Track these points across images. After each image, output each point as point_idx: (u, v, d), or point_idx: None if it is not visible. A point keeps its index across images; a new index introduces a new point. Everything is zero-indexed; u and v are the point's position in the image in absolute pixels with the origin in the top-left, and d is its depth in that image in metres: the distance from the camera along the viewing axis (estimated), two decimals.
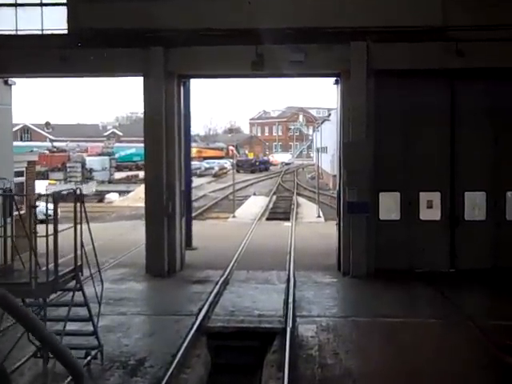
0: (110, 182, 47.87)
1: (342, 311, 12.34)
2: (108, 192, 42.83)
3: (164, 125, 15.54)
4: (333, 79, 16.62)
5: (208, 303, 12.60)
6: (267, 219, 31.00)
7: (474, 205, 16.11)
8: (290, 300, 12.82)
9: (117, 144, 66.03)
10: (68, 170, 46.84)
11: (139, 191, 40.32)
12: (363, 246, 15.31)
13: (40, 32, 15.75)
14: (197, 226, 25.02)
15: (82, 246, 9.41)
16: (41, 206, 28.52)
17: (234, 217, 30.63)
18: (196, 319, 11.41)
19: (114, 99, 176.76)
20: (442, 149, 15.99)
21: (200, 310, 12.13)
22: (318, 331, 10.75)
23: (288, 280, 14.92)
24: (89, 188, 42.93)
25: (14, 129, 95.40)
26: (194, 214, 32.58)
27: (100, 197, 42.48)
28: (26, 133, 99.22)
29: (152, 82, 15.50)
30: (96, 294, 10.12)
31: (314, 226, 26.37)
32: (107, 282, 14.77)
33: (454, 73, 15.61)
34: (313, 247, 20.06)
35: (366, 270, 15.30)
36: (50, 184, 44.93)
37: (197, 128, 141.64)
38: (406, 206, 16.02)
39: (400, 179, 16.05)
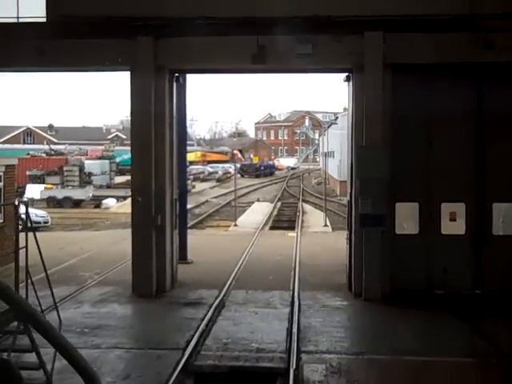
0: (108, 186, 46.07)
1: (355, 345, 10.48)
2: (105, 197, 41.03)
3: (153, 127, 13.76)
4: (344, 75, 14.81)
5: (198, 333, 10.78)
6: (271, 228, 29.17)
7: (504, 217, 14.23)
8: (295, 329, 10.98)
9: (118, 147, 64.28)
10: (65, 173, 45.03)
11: None
12: (378, 265, 13.47)
13: (15, 20, 13.99)
14: (194, 237, 23.25)
15: (28, 272, 7.55)
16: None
17: (235, 225, 28.82)
18: (182, 355, 9.59)
19: (120, 101, 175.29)
20: (468, 154, 14.15)
21: (188, 342, 10.31)
22: (327, 373, 8.90)
23: (292, 303, 13.10)
24: (85, 193, 41.17)
25: (17, 131, 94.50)
26: (193, 222, 30.85)
27: (97, 202, 40.70)
28: (28, 135, 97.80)
29: (139, 77, 13.72)
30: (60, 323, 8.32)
31: (321, 236, 24.52)
32: (86, 305, 13.03)
33: (481, 68, 13.77)
34: (320, 262, 18.22)
35: (381, 292, 13.45)
36: (45, 188, 43.26)
37: (202, 132, 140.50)
38: (426, 219, 14.18)
39: (419, 188, 14.22)
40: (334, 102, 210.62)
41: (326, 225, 28.71)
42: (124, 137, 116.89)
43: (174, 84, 14.80)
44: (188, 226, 29.36)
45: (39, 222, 27.60)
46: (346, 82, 14.87)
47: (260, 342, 10.33)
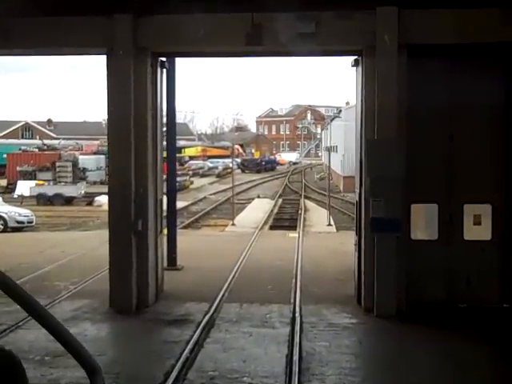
0: (102, 182, 44.20)
1: (369, 380, 8.70)
2: (98, 194, 39.21)
3: (132, 118, 11.96)
4: (351, 59, 13.02)
5: (181, 362, 8.99)
6: (271, 228, 27.39)
7: None
8: (296, 357, 9.20)
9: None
10: (57, 169, 43.24)
11: None
12: (392, 275, 11.68)
13: None
14: (188, 238, 21.56)
15: None
16: (11, 212, 24.84)
17: (233, 225, 27.04)
18: None
19: None
20: (494, 149, 12.34)
21: (167, 374, 8.54)
22: None
23: (293, 321, 11.33)
24: (77, 189, 39.39)
25: (15, 126, 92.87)
26: (188, 222, 29.12)
27: (90, 199, 38.91)
28: (27, 130, 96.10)
29: (117, 60, 11.92)
30: None
31: (325, 237, 22.72)
32: None
33: None
34: (324, 268, 16.45)
35: (396, 307, 11.67)
36: (36, 185, 41.53)
37: (203, 126, 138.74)
38: (447, 222, 12.39)
39: (438, 187, 12.43)
40: (337, 96, 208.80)
41: (329, 224, 26.93)
42: None
43: (159, 70, 13.02)
44: (183, 225, 27.69)
45: (23, 222, 25.90)
46: (354, 67, 13.08)
47: (253, 375, 8.56)
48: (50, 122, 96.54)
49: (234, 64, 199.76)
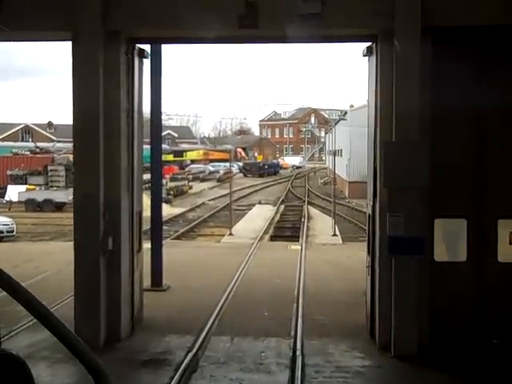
0: None
1: None
2: None
3: (101, 118, 9.98)
4: (363, 47, 11.06)
5: None
6: (271, 238, 25.37)
7: None
8: None
9: None
10: (49, 173, 41.27)
11: None
12: (412, 305, 9.67)
13: None
14: (179, 250, 19.63)
15: None
16: None
17: (230, 234, 25.02)
18: None
19: None
20: None
21: None
22: None
23: (293, 362, 9.32)
24: (67, 195, 37.37)
25: (15, 129, 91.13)
26: (182, 230, 27.14)
27: None
28: (27, 133, 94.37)
29: (82, 47, 9.93)
30: None
31: (330, 250, 20.68)
32: None
33: None
34: (330, 288, 14.46)
35: (417, 343, 9.66)
36: (27, 190, 39.59)
37: (206, 129, 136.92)
38: (477, 241, 10.34)
39: (467, 199, 10.38)
40: (341, 99, 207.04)
41: (335, 234, 24.89)
42: None
43: (137, 59, 11.05)
44: (176, 235, 25.71)
45: (1, 232, 23.90)
46: (367, 57, 11.12)
47: None
48: (50, 124, 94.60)
49: (236, 66, 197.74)
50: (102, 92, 9.99)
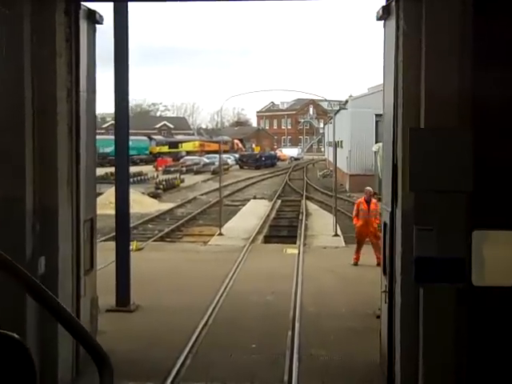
0: None
1: None
2: None
3: (30, 100, 7.43)
4: (377, 6, 8.55)
5: None
6: (265, 239, 22.82)
7: None
8: None
9: (101, 136, 57.78)
10: None
11: (110, 194, 32.28)
12: (449, 350, 7.16)
13: None
14: (159, 256, 17.19)
15: None
16: None
17: (220, 234, 22.48)
18: None
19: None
20: None
21: None
22: None
23: None
24: None
25: None
26: (168, 230, 24.63)
27: None
28: None
29: (1, 5, 7.38)
30: None
31: (332, 254, 18.13)
32: None
33: None
34: (332, 307, 11.98)
35: None
36: None
37: (204, 121, 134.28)
38: None
39: None
40: (340, 91, 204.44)
41: (336, 234, 22.35)
42: None
43: (84, 22, 8.50)
44: (159, 235, 23.17)
45: None
46: (383, 20, 8.61)
47: None
48: None
49: (236, 55, 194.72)
50: (29, 66, 7.43)
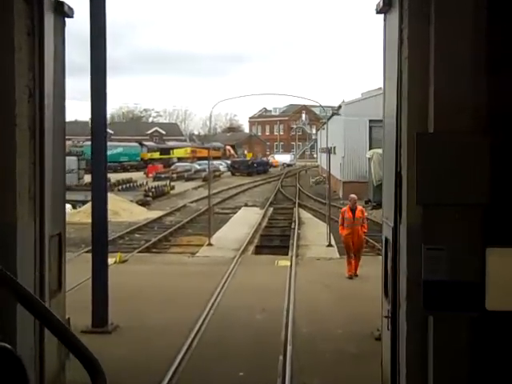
0: (67, 188, 38.48)
1: None
2: None
3: None
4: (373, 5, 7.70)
5: None
6: (256, 249, 21.89)
7: None
8: None
9: (88, 142, 56.89)
10: None
11: None
12: (464, 382, 6.27)
13: None
14: (144, 269, 16.35)
15: None
16: None
17: (209, 245, 21.54)
18: None
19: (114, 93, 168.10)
20: None
21: None
22: None
23: None
24: None
25: None
26: (155, 239, 23.67)
27: None
28: None
29: None
30: None
31: (326, 267, 17.20)
32: None
33: None
34: (328, 328, 11.07)
35: None
36: None
37: (196, 127, 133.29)
38: None
39: None
40: (332, 98, 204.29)
41: (330, 244, 21.46)
42: (111, 132, 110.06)
43: (50, 15, 7.59)
44: (144, 246, 22.20)
45: None
46: (383, 14, 7.77)
47: None
48: None
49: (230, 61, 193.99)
50: None
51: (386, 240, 7.61)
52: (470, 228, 6.04)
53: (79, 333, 10.10)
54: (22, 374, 1.73)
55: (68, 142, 51.86)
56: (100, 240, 11.05)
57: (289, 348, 9.80)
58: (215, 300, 12.95)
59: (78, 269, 12.74)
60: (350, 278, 15.32)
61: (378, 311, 9.52)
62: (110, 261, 17.29)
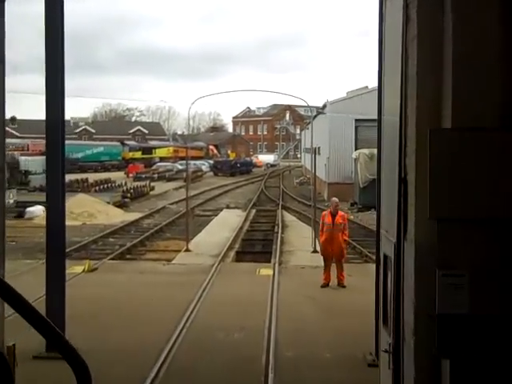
0: (41, 189, 36.94)
1: None
2: (32, 204, 32.14)
3: None
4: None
5: None
6: (237, 255, 20.60)
7: None
8: None
9: (69, 141, 55.15)
10: None
11: (72, 204, 29.87)
12: None
13: None
14: (114, 278, 15.11)
15: None
16: None
17: (187, 250, 20.24)
18: None
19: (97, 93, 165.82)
20: None
21: None
22: None
23: None
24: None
25: None
26: (130, 244, 22.32)
27: (21, 210, 31.77)
28: None
29: None
30: None
31: (312, 276, 15.83)
32: None
33: None
34: (315, 351, 9.82)
35: None
36: None
37: (179, 126, 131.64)
38: None
39: None
40: (317, 97, 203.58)
41: (315, 250, 20.20)
42: (93, 131, 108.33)
43: None
44: (115, 253, 20.82)
45: None
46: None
47: None
48: (13, 119, 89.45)
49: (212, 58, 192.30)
50: None
51: (386, 257, 6.38)
52: (499, 249, 4.80)
53: (31, 359, 8.85)
54: (6, 371, 1.78)
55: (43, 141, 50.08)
56: (56, 248, 9.72)
57: (270, 376, 8.56)
58: (189, 316, 11.68)
59: (40, 280, 11.37)
60: (324, 286, 14.23)
61: (369, 329, 8.47)
62: (78, 269, 16.09)
